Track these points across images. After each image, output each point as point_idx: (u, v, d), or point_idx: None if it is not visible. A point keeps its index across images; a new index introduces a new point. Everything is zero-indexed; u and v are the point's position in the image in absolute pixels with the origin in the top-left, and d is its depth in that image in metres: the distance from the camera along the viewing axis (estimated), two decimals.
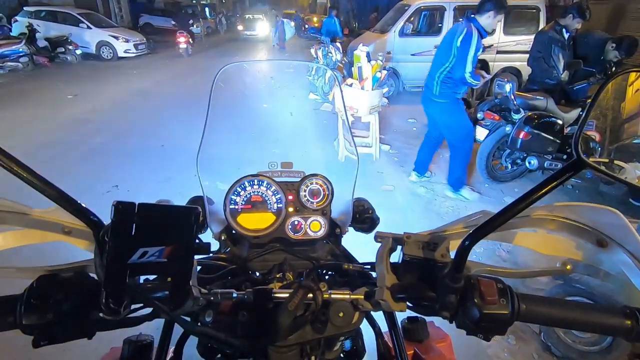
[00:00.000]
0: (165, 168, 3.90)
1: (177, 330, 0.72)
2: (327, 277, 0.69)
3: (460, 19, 3.43)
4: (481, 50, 3.14)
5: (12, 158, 0.38)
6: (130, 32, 12.68)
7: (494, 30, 3.33)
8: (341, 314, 0.54)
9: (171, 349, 0.75)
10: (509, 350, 1.99)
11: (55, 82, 8.25)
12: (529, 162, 3.55)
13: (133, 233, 0.35)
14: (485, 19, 3.11)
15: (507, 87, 3.56)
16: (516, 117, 3.47)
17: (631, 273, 0.49)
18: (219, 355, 0.73)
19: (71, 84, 8.25)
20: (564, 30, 4.04)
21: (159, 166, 4.00)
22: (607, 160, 0.71)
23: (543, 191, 0.40)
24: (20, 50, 9.08)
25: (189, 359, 0.76)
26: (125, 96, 7.36)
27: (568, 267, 0.55)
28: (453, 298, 0.46)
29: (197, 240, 0.42)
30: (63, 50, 10.31)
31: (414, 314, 0.84)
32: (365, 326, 0.76)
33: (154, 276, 0.50)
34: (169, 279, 0.42)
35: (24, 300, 0.41)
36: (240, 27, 20.93)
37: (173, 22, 16.57)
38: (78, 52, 10.63)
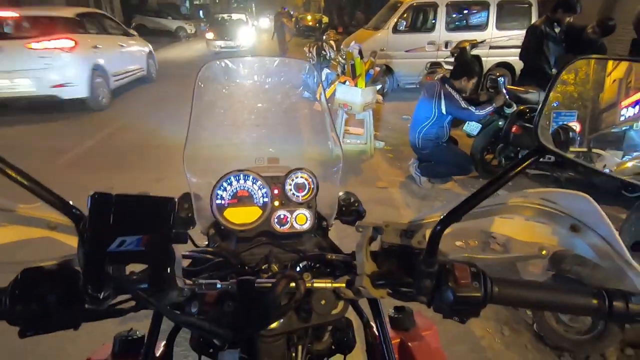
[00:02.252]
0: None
1: (168, 325, 0.74)
2: (313, 269, 0.70)
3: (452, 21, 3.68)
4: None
5: None
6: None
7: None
8: (323, 302, 0.55)
9: (162, 343, 0.76)
10: (502, 342, 2.01)
11: None
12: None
13: (111, 222, 0.37)
14: (459, 84, 3.52)
15: (499, 81, 3.59)
16: (508, 111, 3.50)
17: (602, 256, 0.51)
18: (211, 350, 0.75)
19: None
20: (555, 24, 4.07)
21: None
22: (586, 149, 0.72)
23: (510, 175, 0.41)
24: None
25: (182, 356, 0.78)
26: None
27: (544, 252, 0.57)
28: (428, 282, 0.47)
29: (174, 231, 0.43)
30: None
31: (400, 304, 0.86)
32: (357, 320, 0.77)
33: (137, 272, 0.51)
34: (148, 268, 0.43)
35: (9, 292, 0.42)
36: (209, 36, 12.79)
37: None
38: None
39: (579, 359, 1.90)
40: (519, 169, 0.41)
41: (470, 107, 3.40)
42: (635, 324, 0.51)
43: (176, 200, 0.41)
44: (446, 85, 3.46)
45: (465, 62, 3.66)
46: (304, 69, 0.83)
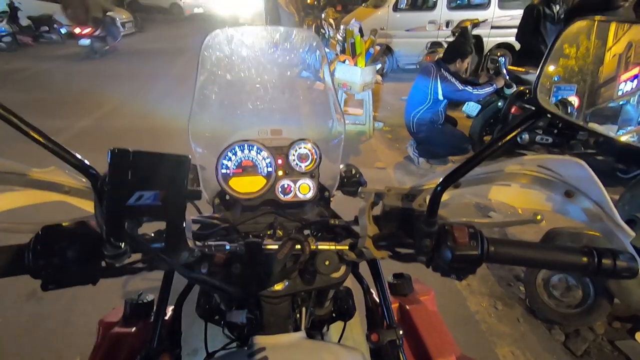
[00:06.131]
0: None
1: (175, 291, 0.76)
2: (317, 234, 0.73)
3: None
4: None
5: (13, 113, 0.40)
6: (117, 10, 12.28)
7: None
8: (327, 262, 0.58)
9: (170, 308, 0.80)
10: (495, 315, 2.08)
11: (39, 64, 8.07)
12: (520, 137, 3.58)
13: (129, 177, 0.38)
14: (454, 67, 3.49)
15: (500, 61, 3.56)
16: (508, 92, 3.49)
17: (593, 219, 0.53)
18: (217, 317, 0.78)
19: (57, 64, 8.08)
20: (552, 4, 3.99)
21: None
22: (582, 123, 0.74)
23: (508, 137, 0.43)
24: (3, 29, 8.80)
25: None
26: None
27: (538, 217, 0.59)
28: (428, 242, 0.50)
29: (188, 188, 0.45)
30: (47, 29, 10.00)
31: (399, 272, 0.89)
32: (357, 291, 0.81)
33: (150, 234, 0.53)
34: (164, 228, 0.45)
35: (31, 247, 0.44)
36: None
37: None
38: (63, 31, 10.31)
39: (569, 331, 1.98)
40: (518, 130, 0.43)
41: (467, 88, 3.38)
42: (622, 279, 0.54)
43: (190, 157, 0.42)
44: (442, 69, 3.43)
45: (455, 44, 3.63)
46: (311, 39, 0.82)
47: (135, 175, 0.38)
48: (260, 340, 0.57)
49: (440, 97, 3.41)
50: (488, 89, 3.44)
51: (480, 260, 0.48)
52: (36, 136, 0.41)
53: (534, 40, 4.07)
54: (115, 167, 0.37)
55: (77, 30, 8.57)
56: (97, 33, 8.62)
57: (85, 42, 8.57)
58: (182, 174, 0.41)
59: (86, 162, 0.44)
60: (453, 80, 3.38)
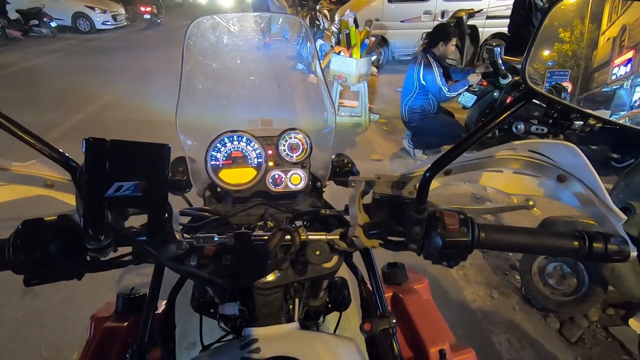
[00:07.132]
0: None
1: (168, 284, 0.76)
2: (308, 225, 0.72)
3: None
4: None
5: None
6: (108, 2, 12.11)
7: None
8: (318, 252, 0.57)
9: (163, 302, 0.79)
10: (492, 304, 2.10)
11: (31, 58, 7.95)
12: (516, 127, 3.58)
13: (107, 168, 0.37)
14: (437, 50, 3.47)
15: (495, 51, 3.54)
16: (504, 82, 3.47)
17: (586, 203, 0.53)
18: (212, 310, 0.77)
19: (47, 58, 7.97)
20: None
21: None
22: (574, 104, 0.73)
23: (498, 121, 0.42)
24: None
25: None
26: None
27: (530, 202, 0.59)
28: (418, 229, 0.49)
29: (170, 177, 0.44)
30: (37, 22, 9.82)
31: (393, 261, 0.89)
32: (352, 282, 0.80)
33: (136, 227, 0.52)
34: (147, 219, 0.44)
35: (11, 242, 0.43)
36: None
37: None
38: (53, 24, 10.14)
39: (564, 319, 2.00)
40: (507, 114, 0.42)
41: (443, 87, 3.37)
42: (614, 262, 0.54)
43: (170, 146, 0.41)
44: (428, 55, 3.42)
45: (437, 27, 3.60)
46: (299, 26, 0.81)
47: (114, 166, 0.37)
48: (252, 331, 0.57)
49: (423, 82, 3.41)
50: (461, 89, 3.47)
51: (471, 246, 0.47)
52: (11, 127, 0.40)
53: (525, 32, 4.05)
54: (92, 158, 0.36)
55: (142, 9, 13.29)
56: (154, 10, 13.49)
57: (147, 16, 13.46)
58: (163, 164, 0.40)
59: (66, 154, 0.43)
60: (435, 70, 3.35)
